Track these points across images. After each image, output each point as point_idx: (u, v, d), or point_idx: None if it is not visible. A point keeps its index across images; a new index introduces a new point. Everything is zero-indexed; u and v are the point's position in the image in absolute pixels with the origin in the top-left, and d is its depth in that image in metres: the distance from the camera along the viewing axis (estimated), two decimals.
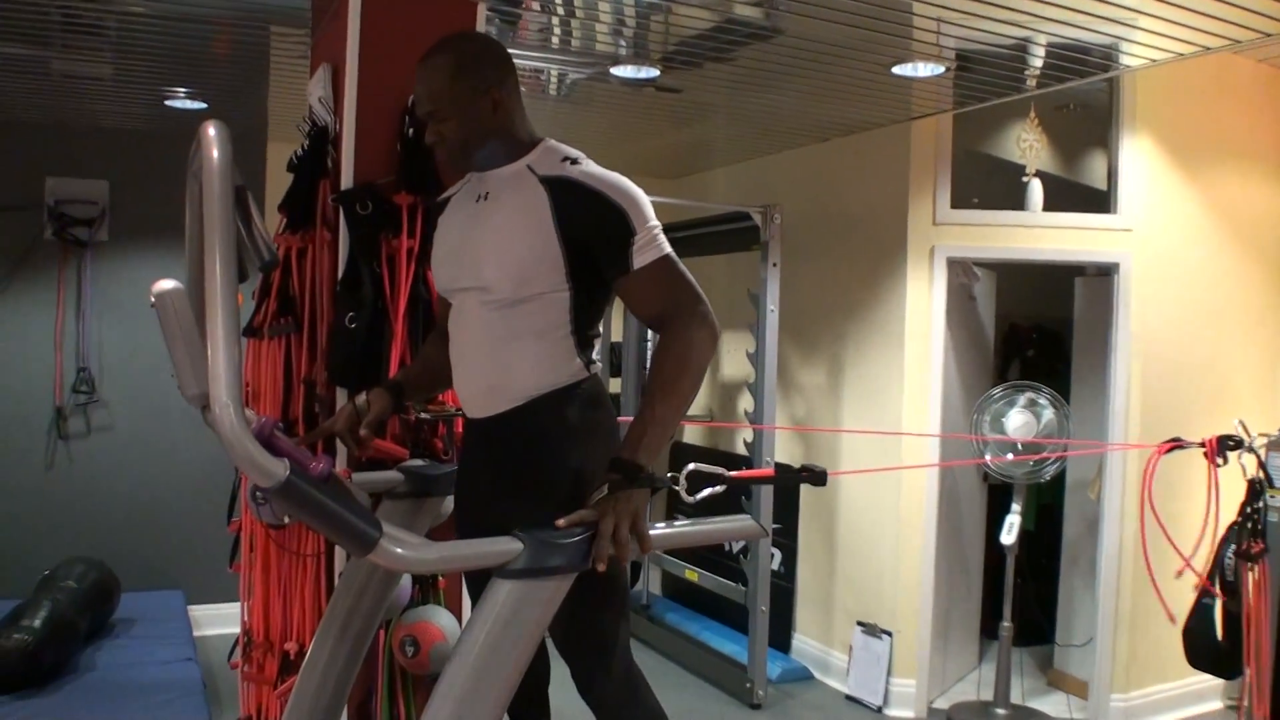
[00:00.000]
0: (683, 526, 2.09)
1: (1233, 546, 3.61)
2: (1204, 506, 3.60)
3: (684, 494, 1.93)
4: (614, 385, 6.40)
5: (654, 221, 2.06)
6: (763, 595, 5.04)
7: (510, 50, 3.96)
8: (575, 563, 1.83)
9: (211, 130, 1.76)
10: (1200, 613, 3.76)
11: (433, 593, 2.87)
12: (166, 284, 1.87)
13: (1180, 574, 3.61)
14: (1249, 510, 3.59)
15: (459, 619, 2.83)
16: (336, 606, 2.44)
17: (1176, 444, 3.71)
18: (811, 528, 5.60)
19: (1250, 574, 3.56)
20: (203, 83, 4.65)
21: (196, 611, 5.33)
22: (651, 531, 1.90)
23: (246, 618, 3.23)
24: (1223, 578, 3.67)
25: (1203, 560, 3.70)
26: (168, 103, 4.94)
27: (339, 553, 2.83)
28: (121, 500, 5.51)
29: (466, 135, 2.15)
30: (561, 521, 1.85)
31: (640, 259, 2.03)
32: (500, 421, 2.14)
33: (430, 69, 2.15)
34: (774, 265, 4.97)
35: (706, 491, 1.94)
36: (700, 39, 3.85)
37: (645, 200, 2.07)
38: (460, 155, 2.19)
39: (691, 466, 1.93)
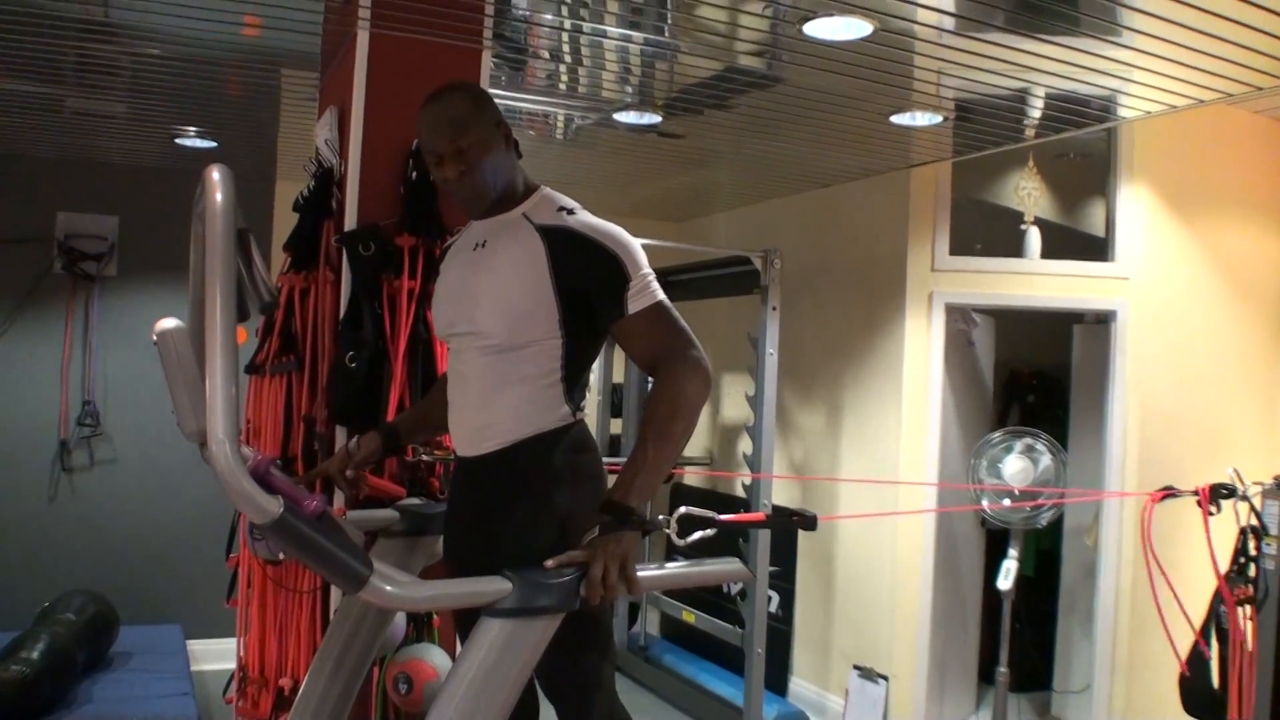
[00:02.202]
0: (672, 569, 2.11)
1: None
2: (1199, 554, 3.61)
3: (674, 537, 1.96)
4: (615, 426, 6.42)
5: (647, 269, 2.10)
6: (759, 638, 5.03)
7: (514, 94, 4.07)
8: (564, 603, 1.85)
9: (216, 174, 1.80)
10: (1197, 660, 3.76)
11: (427, 631, 2.90)
12: (168, 322, 1.90)
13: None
14: (1241, 559, 3.60)
15: (453, 657, 2.84)
16: (330, 643, 2.46)
17: (1170, 492, 3.72)
18: (809, 571, 5.60)
19: (1239, 619, 3.56)
20: (213, 122, 4.72)
21: (195, 646, 5.33)
22: (641, 573, 1.92)
23: (242, 653, 3.24)
24: (1219, 625, 3.67)
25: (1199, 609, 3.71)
26: (178, 141, 5.01)
27: (334, 590, 2.86)
28: (122, 533, 5.53)
29: (490, 170, 2.16)
30: (551, 562, 1.87)
31: (635, 305, 2.07)
32: (487, 462, 2.18)
33: (448, 104, 2.16)
34: (774, 309, 5.01)
35: (697, 535, 1.96)
36: (703, 87, 3.91)
37: (639, 248, 2.12)
38: (483, 190, 2.18)
39: (683, 510, 1.96)
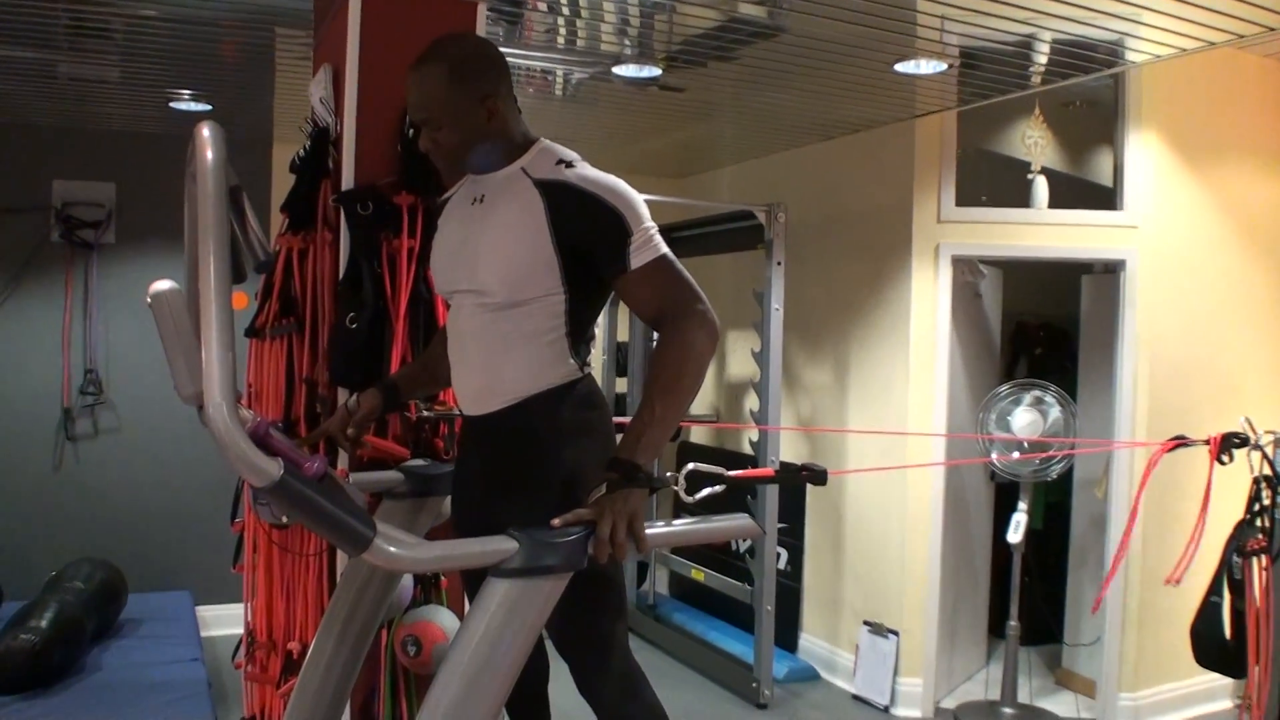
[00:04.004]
0: (680, 525, 2.08)
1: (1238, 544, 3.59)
2: (1212, 505, 3.58)
3: (683, 494, 1.93)
4: (620, 385, 6.40)
5: (649, 222, 2.06)
6: (769, 595, 5.03)
7: (513, 50, 3.99)
8: (571, 562, 1.83)
9: (206, 131, 1.76)
10: (1208, 611, 3.73)
11: (435, 592, 2.88)
12: (163, 284, 1.86)
13: (1175, 582, 3.59)
14: (1256, 508, 3.57)
15: (461, 619, 2.83)
16: (337, 606, 2.44)
17: (1180, 441, 3.69)
18: (818, 527, 5.59)
19: (1254, 571, 3.54)
20: (208, 85, 4.67)
21: (204, 612, 5.35)
22: (649, 531, 1.89)
23: (250, 618, 3.24)
24: (1230, 576, 3.65)
25: (1212, 558, 3.68)
26: (174, 105, 4.95)
27: (340, 553, 2.84)
28: (129, 501, 5.53)
29: (461, 143, 2.14)
30: (558, 521, 1.84)
31: (637, 259, 2.03)
32: (494, 420, 2.15)
33: (423, 76, 2.12)
34: (779, 264, 4.96)
35: (705, 491, 1.93)
36: (704, 38, 3.84)
37: (640, 201, 2.07)
38: (455, 162, 2.19)
39: (691, 466, 1.93)
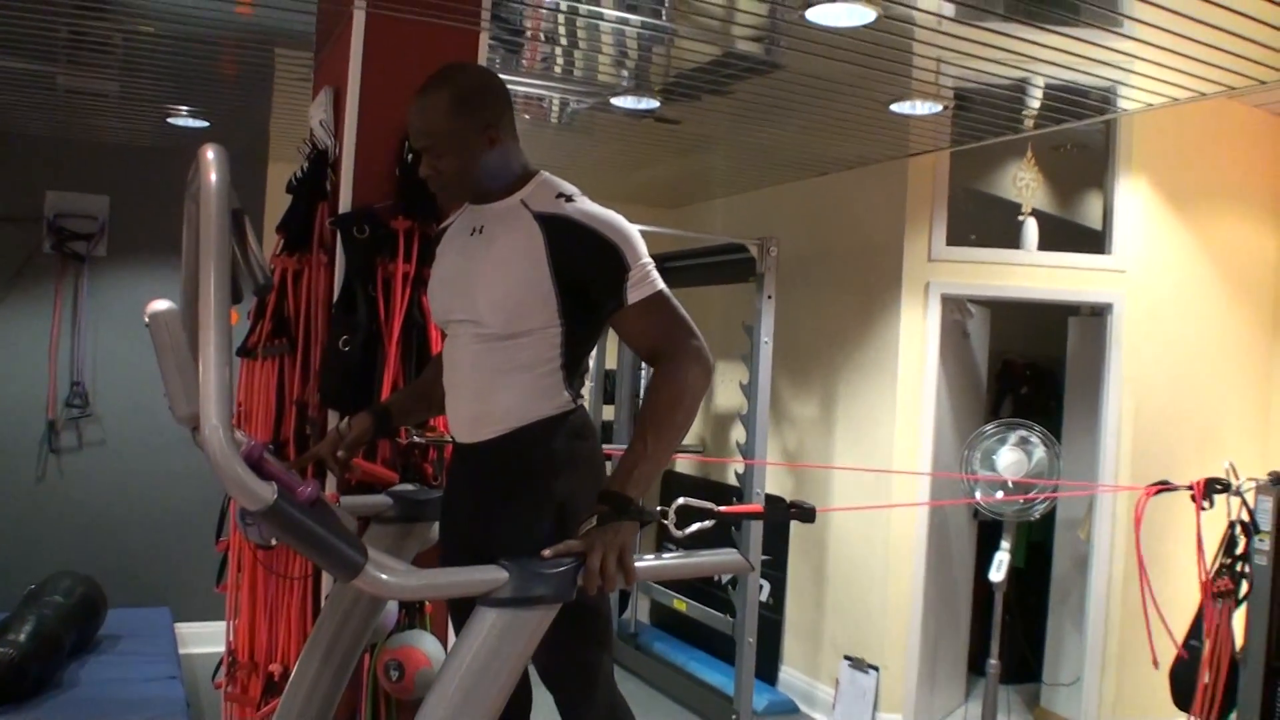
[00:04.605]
0: (669, 559, 2.09)
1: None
2: (1192, 548, 3.61)
3: (673, 528, 1.93)
4: (607, 412, 6.40)
5: (647, 258, 2.08)
6: (750, 626, 5.02)
7: (511, 78, 4.02)
8: (561, 593, 1.83)
9: (210, 153, 1.77)
10: (1185, 660, 3.76)
11: (419, 617, 2.87)
12: (161, 304, 1.88)
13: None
14: (1229, 553, 3.61)
15: (444, 644, 2.82)
16: (322, 629, 2.44)
17: (1164, 486, 3.72)
18: (801, 560, 5.60)
19: (1219, 612, 3.57)
20: (206, 102, 4.68)
21: (183, 629, 5.31)
22: (638, 564, 1.90)
23: (232, 638, 3.22)
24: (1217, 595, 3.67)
25: (1192, 602, 3.71)
26: (170, 120, 4.96)
27: (326, 575, 2.83)
28: (111, 515, 5.49)
29: (462, 172, 2.15)
30: (548, 552, 1.85)
31: (634, 294, 2.04)
32: (487, 448, 2.15)
33: (427, 104, 2.13)
34: (769, 297, 4.98)
35: (695, 526, 1.94)
36: (700, 72, 3.87)
37: (638, 237, 2.09)
38: (455, 191, 2.21)
39: (681, 501, 1.94)
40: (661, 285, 2.07)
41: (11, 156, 5.38)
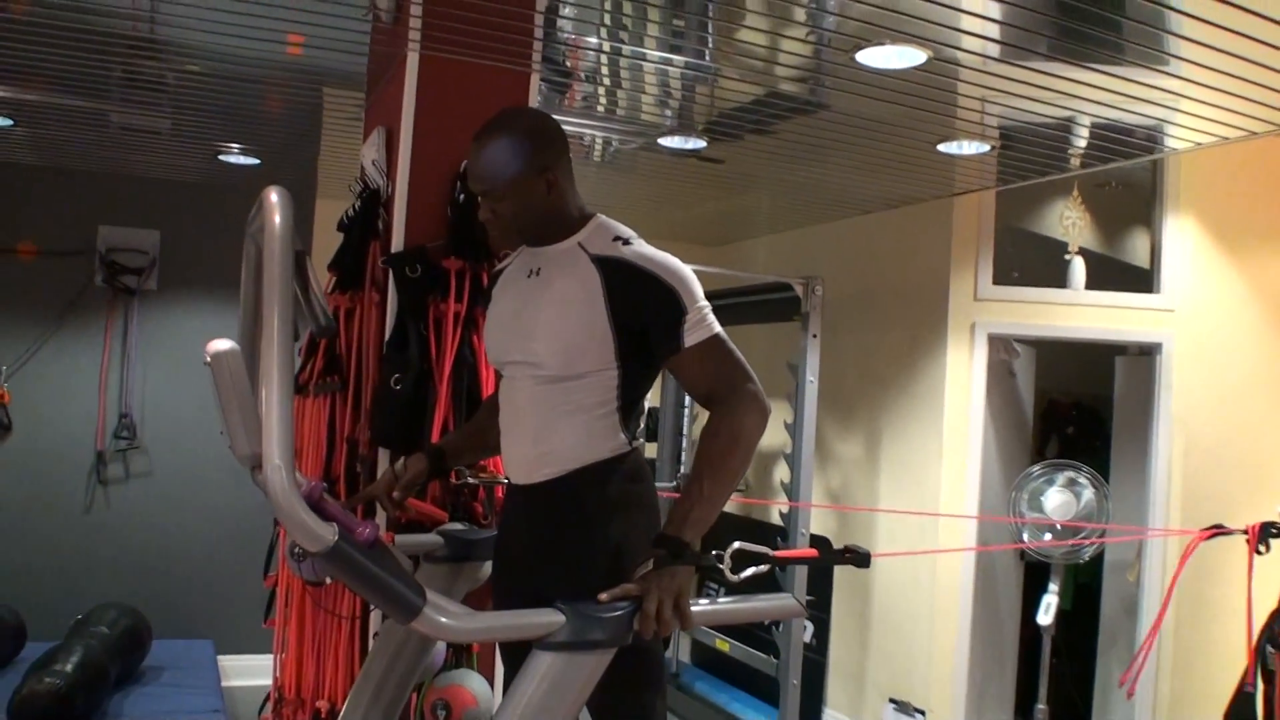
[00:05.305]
0: (723, 604, 2.08)
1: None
2: (1246, 592, 3.54)
3: (728, 573, 1.92)
4: (650, 450, 6.39)
5: (703, 301, 2.08)
6: (794, 668, 4.98)
7: (558, 117, 4.05)
8: (617, 637, 1.82)
9: (274, 195, 1.79)
10: (1241, 701, 3.68)
11: (466, 656, 2.87)
12: (223, 344, 1.89)
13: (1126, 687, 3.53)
14: None
15: (492, 684, 2.82)
16: (371, 668, 2.44)
17: (1218, 530, 3.66)
18: (845, 601, 5.54)
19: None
20: (256, 139, 4.75)
21: (226, 662, 5.32)
22: (693, 609, 1.89)
23: (278, 673, 3.23)
24: (1264, 666, 3.60)
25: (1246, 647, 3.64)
26: (221, 157, 5.04)
27: (375, 612, 2.84)
28: (156, 547, 5.53)
29: (519, 216, 2.16)
30: (604, 596, 1.84)
31: (691, 338, 2.04)
32: (542, 490, 2.15)
33: (486, 149, 2.15)
34: (814, 336, 4.97)
35: (750, 571, 1.93)
36: (744, 111, 3.89)
37: (695, 280, 2.10)
38: (513, 235, 2.22)
39: (736, 545, 1.93)
40: (718, 329, 2.08)
41: (65, 191, 5.47)
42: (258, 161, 5.09)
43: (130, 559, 5.48)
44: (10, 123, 4.53)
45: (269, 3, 3.01)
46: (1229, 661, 3.59)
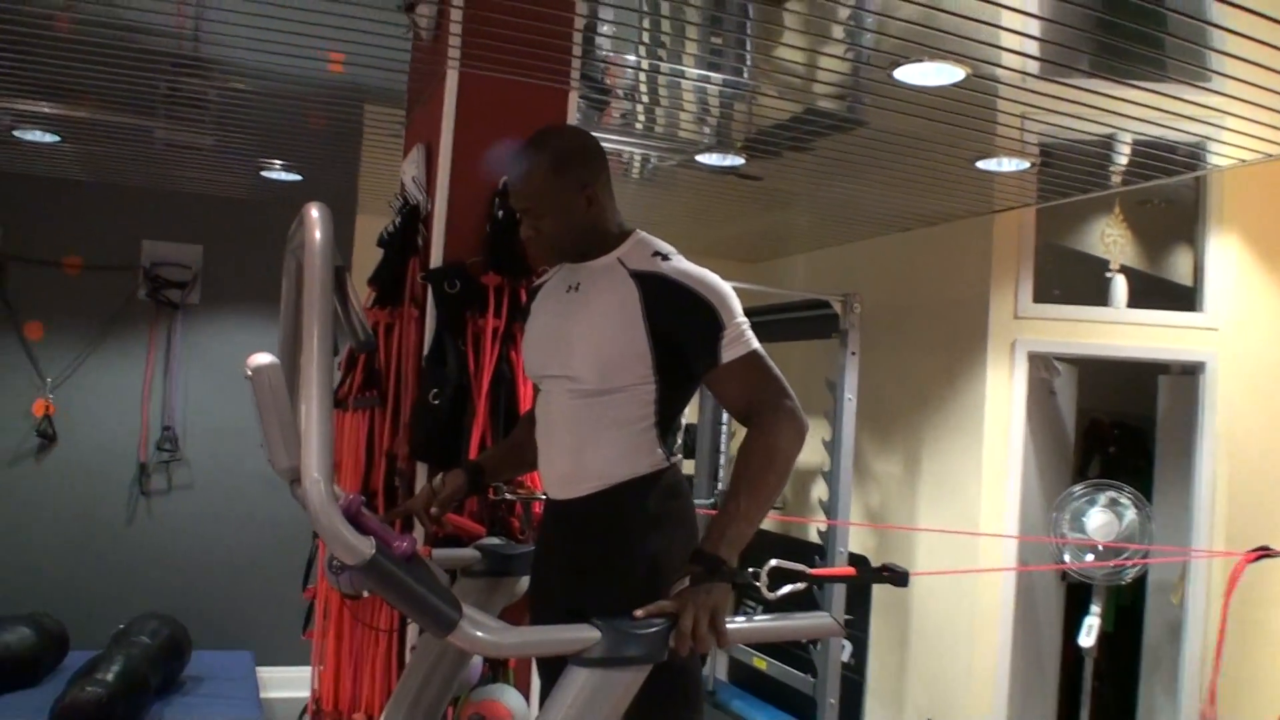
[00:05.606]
0: (760, 622, 2.07)
1: None
2: None
3: (765, 591, 1.91)
4: (688, 467, 6.38)
5: (741, 317, 2.08)
6: (832, 687, 4.94)
7: (596, 134, 4.07)
8: (652, 654, 1.82)
9: (315, 211, 1.81)
10: None
11: (503, 671, 2.87)
12: (263, 358, 1.90)
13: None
14: None
15: (528, 699, 2.82)
16: (408, 681, 2.44)
17: (1266, 552, 3.61)
18: (884, 620, 5.50)
19: None
20: (298, 155, 4.81)
21: (264, 673, 5.36)
22: (730, 626, 1.88)
23: (316, 685, 3.24)
24: None
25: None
26: (263, 173, 5.10)
27: (412, 625, 2.85)
28: (197, 558, 5.60)
29: (560, 232, 2.17)
30: (640, 612, 1.84)
31: (729, 353, 2.04)
32: (579, 505, 2.15)
33: (527, 166, 2.17)
34: (853, 354, 4.95)
35: (788, 588, 1.92)
36: (782, 129, 3.89)
37: (733, 295, 2.10)
38: (554, 251, 2.23)
39: (773, 563, 1.92)
40: (756, 345, 2.07)
41: (110, 206, 5.57)
42: (299, 177, 5.15)
43: (171, 570, 5.54)
44: (58, 139, 4.62)
45: (311, 21, 3.05)
46: (1275, 685, 3.53)
